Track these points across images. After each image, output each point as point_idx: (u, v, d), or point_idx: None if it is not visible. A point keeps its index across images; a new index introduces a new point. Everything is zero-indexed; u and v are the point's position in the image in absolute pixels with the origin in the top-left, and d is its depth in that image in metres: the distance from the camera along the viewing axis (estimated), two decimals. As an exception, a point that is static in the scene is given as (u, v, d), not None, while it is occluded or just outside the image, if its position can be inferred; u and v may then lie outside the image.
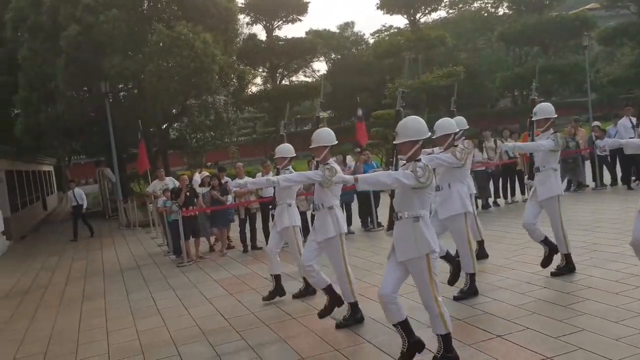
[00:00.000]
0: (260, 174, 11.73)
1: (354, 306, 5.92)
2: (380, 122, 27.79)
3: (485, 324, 5.37)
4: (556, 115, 6.76)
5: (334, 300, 6.06)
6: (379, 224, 12.07)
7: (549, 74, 37.82)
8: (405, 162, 4.54)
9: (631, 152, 5.89)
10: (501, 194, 13.43)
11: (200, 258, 11.06)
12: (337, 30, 62.20)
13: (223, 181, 11.75)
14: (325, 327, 5.93)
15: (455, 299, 6.18)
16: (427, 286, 4.42)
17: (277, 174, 7.01)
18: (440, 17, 53.90)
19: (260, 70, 38.38)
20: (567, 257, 6.74)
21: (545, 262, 6.81)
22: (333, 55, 61.55)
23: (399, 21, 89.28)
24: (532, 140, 6.83)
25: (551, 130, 6.68)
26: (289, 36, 37.43)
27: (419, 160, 4.42)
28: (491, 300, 6.11)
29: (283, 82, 39.40)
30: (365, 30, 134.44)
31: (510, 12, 50.13)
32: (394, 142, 4.61)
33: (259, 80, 41.05)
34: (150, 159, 19.40)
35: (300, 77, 50.89)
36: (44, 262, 13.40)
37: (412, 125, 4.55)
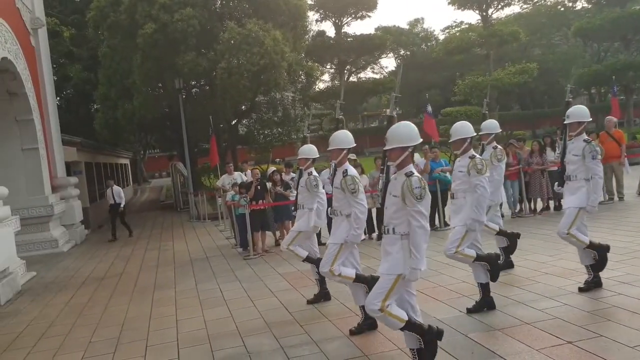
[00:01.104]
0: (326, 170, 11.80)
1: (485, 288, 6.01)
2: (449, 119, 27.36)
3: (555, 330, 5.19)
4: (590, 119, 6.43)
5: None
6: (446, 223, 11.88)
7: (630, 71, 36.02)
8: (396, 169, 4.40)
9: None
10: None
11: (265, 252, 11.25)
12: (407, 27, 61.62)
13: (289, 177, 11.91)
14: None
15: (469, 311, 5.95)
16: (383, 293, 4.33)
17: (300, 175, 7.13)
18: (513, 12, 52.38)
19: (328, 67, 38.54)
20: (592, 246, 6.36)
21: (599, 267, 6.42)
22: (402, 52, 61.01)
23: (471, 17, 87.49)
24: (564, 143, 6.56)
25: (584, 136, 6.35)
26: (358, 33, 37.44)
27: (412, 173, 4.25)
28: (562, 305, 5.90)
29: (351, 78, 39.39)
30: (435, 26, 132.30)
31: (589, 5, 48.10)
32: (383, 149, 4.49)
33: (326, 77, 41.28)
34: (220, 154, 19.86)
35: (368, 74, 50.75)
36: (119, 251, 14.00)
37: (403, 131, 4.41)
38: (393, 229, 4.34)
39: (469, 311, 5.94)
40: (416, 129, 4.47)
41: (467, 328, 5.52)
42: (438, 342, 4.51)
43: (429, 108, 14.70)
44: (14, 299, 9.46)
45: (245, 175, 13.78)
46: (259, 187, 11.56)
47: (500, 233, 7.52)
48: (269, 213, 11.76)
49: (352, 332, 5.75)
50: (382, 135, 7.82)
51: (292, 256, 10.45)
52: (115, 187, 16.49)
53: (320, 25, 57.09)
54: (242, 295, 7.95)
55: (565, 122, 6.50)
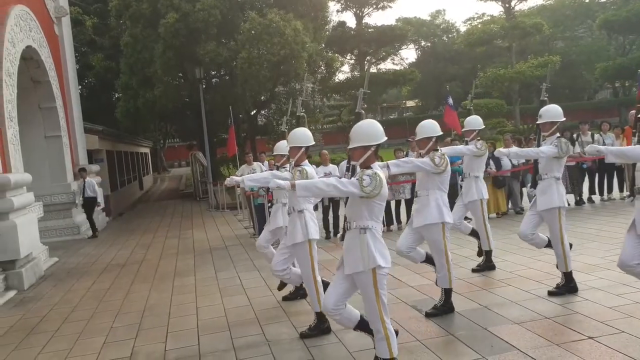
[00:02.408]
0: (345, 162, 11.81)
1: (321, 315, 5.60)
2: (466, 112, 27.08)
3: (575, 325, 5.16)
4: (564, 119, 6.25)
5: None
6: (465, 217, 11.85)
7: (656, 65, 35.38)
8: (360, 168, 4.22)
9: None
10: (597, 190, 12.76)
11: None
12: (428, 18, 61.11)
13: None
14: (409, 316, 5.92)
15: (427, 315, 5.81)
16: (373, 303, 4.16)
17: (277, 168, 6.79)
18: (536, 4, 51.70)
19: (348, 57, 38.38)
20: (567, 276, 6.14)
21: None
22: (423, 43, 60.58)
23: (493, 8, 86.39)
24: (538, 144, 6.38)
25: (557, 135, 6.15)
26: (379, 24, 37.23)
27: (370, 167, 4.13)
28: (583, 300, 5.86)
29: (371, 69, 39.21)
30: (457, 18, 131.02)
31: (615, -3, 47.26)
32: (348, 147, 4.34)
33: (346, 67, 41.13)
34: (239, 144, 19.95)
35: (388, 65, 50.46)
36: (140, 238, 14.16)
37: (366, 129, 4.24)
38: (353, 223, 4.21)
39: (427, 315, 5.84)
40: (381, 127, 4.30)
41: (486, 321, 5.51)
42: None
43: (450, 100, 14.58)
44: (37, 284, 9.63)
45: (264, 165, 13.82)
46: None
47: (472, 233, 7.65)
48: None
49: (474, 270, 6.23)
50: (401, 127, 7.83)
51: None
52: (89, 180, 14.72)
53: (340, 15, 56.94)
54: (261, 284, 8.01)
55: (537, 122, 6.32)
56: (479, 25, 44.30)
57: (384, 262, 4.15)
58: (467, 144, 7.59)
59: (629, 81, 46.74)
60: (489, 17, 50.50)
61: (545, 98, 6.88)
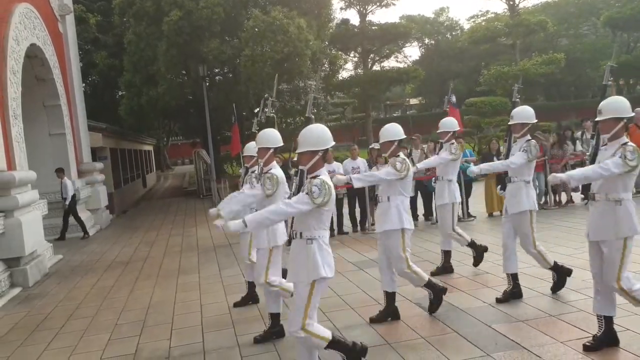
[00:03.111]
0: (348, 159, 11.83)
1: (275, 317, 5.65)
2: (473, 109, 27.05)
3: (580, 322, 5.16)
4: (535, 121, 6.16)
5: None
6: (469, 214, 11.85)
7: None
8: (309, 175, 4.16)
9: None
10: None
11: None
12: (432, 15, 60.99)
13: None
14: (412, 314, 5.92)
15: (372, 320, 5.76)
16: (301, 307, 4.11)
17: (246, 172, 6.54)
18: (541, 2, 51.51)
19: (352, 55, 38.33)
20: (554, 268, 6.11)
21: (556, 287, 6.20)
22: (426, 41, 60.47)
23: (497, 6, 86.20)
24: (509, 145, 6.28)
25: (527, 138, 6.07)
26: (382, 21, 37.11)
27: (317, 177, 4.07)
28: (587, 297, 5.83)
29: (374, 67, 39.16)
30: (461, 15, 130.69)
31: (620, -5, 47.07)
32: (296, 152, 4.29)
33: (349, 65, 41.07)
34: (243, 142, 19.94)
35: (391, 63, 50.42)
36: (144, 236, 14.19)
37: (314, 134, 4.19)
38: (300, 233, 4.15)
39: (371, 320, 5.79)
40: (329, 133, 4.25)
41: (491, 319, 5.51)
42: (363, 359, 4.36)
43: (453, 98, 14.52)
44: (41, 281, 9.67)
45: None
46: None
47: (470, 245, 7.58)
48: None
49: (372, 320, 5.80)
50: (405, 125, 7.82)
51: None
52: (65, 180, 13.63)
53: (344, 13, 56.91)
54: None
55: (509, 124, 6.24)
56: (483, 23, 44.11)
57: (329, 273, 4.11)
58: (441, 145, 7.56)
59: (634, 79, 46.66)
60: (493, 15, 50.37)
61: (517, 99, 6.81)
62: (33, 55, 12.69)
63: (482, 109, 27.57)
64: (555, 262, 6.17)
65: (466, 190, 11.53)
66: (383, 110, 62.65)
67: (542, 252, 6.13)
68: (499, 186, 6.68)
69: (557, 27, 44.81)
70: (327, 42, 26.89)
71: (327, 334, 4.21)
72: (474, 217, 11.84)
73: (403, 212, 5.65)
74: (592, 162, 4.71)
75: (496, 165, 6.41)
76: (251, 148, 6.52)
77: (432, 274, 7.42)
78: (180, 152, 56.01)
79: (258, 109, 6.53)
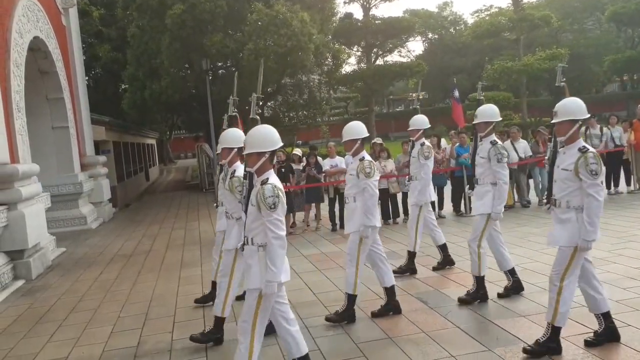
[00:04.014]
0: (348, 155, 11.80)
1: (352, 299, 5.72)
2: (476, 104, 26.92)
3: (581, 318, 5.15)
4: (499, 119, 6.10)
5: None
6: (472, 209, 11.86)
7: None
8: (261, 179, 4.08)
9: None
10: (604, 184, 12.72)
11: (289, 234, 11.33)
12: (436, 10, 60.82)
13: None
14: (414, 308, 5.93)
15: (327, 319, 5.68)
16: (250, 318, 4.04)
17: (221, 170, 6.09)
18: (545, -3, 51.28)
19: (355, 49, 38.23)
20: (479, 281, 6.01)
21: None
22: (430, 35, 60.33)
23: (501, 0, 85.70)
24: (475, 144, 6.21)
25: (492, 137, 5.98)
26: (386, 15, 37.00)
27: (266, 181, 3.99)
28: (589, 293, 5.85)
29: (377, 62, 39.07)
30: (464, 9, 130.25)
31: (625, -10, 46.80)
32: (243, 154, 4.21)
33: (353, 59, 40.97)
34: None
35: (394, 57, 50.28)
36: (146, 229, 14.22)
37: (261, 135, 4.11)
38: (252, 239, 4.07)
39: (327, 319, 5.73)
40: (276, 134, 4.17)
41: (492, 314, 5.52)
42: None
43: (456, 93, 14.53)
44: (44, 274, 9.70)
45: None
46: (282, 169, 11.61)
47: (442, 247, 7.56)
48: (298, 194, 11.83)
49: (501, 296, 5.92)
50: (408, 120, 7.82)
51: (316, 238, 10.58)
52: None
53: (348, 7, 56.76)
54: (267, 276, 8.03)
55: (473, 122, 6.17)
56: (487, 18, 43.99)
57: (284, 277, 4.05)
58: (413, 143, 7.52)
59: (638, 74, 46.46)
60: (496, 9, 50.19)
61: (482, 97, 6.74)
62: (36, 48, 12.69)
63: (485, 104, 27.50)
64: (483, 276, 6.01)
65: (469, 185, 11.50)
66: (386, 105, 62.55)
67: (481, 258, 5.98)
68: (468, 185, 6.62)
69: (562, 22, 44.64)
70: (330, 36, 26.81)
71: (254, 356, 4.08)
72: (444, 217, 11.71)
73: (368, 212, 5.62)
74: (552, 166, 4.64)
75: (502, 193, 5.97)
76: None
77: (434, 268, 7.44)
78: (183, 146, 56.04)
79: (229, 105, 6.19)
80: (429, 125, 7.62)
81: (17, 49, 10.66)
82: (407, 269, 7.42)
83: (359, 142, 5.75)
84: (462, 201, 11.84)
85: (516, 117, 32.09)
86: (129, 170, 25.04)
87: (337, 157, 11.96)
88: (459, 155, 11.64)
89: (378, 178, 5.74)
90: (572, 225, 4.42)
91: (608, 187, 12.65)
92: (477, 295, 5.97)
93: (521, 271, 6.88)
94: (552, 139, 4.79)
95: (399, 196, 11.63)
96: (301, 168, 12.13)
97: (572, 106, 4.51)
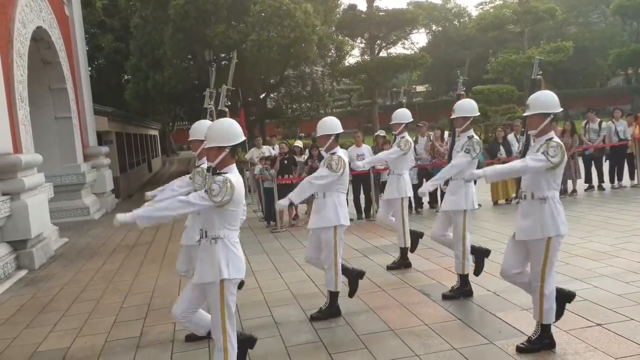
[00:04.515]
0: (353, 146, 11.78)
1: (334, 296, 5.70)
2: (480, 97, 26.89)
3: (584, 312, 5.15)
4: (477, 114, 6.02)
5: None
6: (417, 209, 11.80)
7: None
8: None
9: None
10: (608, 178, 12.67)
11: (292, 226, 11.33)
12: (440, 2, 60.49)
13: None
14: (416, 301, 5.93)
15: (313, 318, 5.63)
16: (218, 313, 3.95)
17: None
18: (551, -11, 50.96)
19: (359, 41, 38.10)
20: (463, 279, 5.97)
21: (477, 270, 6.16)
22: (434, 27, 60.07)
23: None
24: (453, 140, 6.13)
25: (470, 132, 5.90)
26: (390, 7, 36.84)
27: (221, 173, 3.91)
28: (592, 287, 5.85)
29: (381, 53, 38.94)
30: (469, 2, 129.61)
31: (630, -18, 46.48)
32: (205, 147, 4.13)
33: (356, 51, 40.86)
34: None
35: (398, 49, 50.15)
36: (149, 220, 14.21)
37: (222, 128, 4.01)
38: (206, 232, 3.99)
39: (312, 317, 5.65)
40: (239, 128, 4.05)
41: (495, 307, 5.51)
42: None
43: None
44: (47, 264, 9.73)
45: (274, 149, 13.82)
46: (285, 161, 11.60)
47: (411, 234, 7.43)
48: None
49: (445, 297, 5.91)
50: (411, 112, 7.78)
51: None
52: None
53: (352, -2, 56.35)
54: (269, 267, 8.05)
55: (451, 117, 6.07)
56: (491, 10, 43.77)
57: (234, 274, 3.95)
58: (395, 137, 7.44)
59: (643, 68, 46.25)
60: (501, 2, 49.90)
61: (463, 92, 6.64)
62: (39, 38, 12.67)
63: (489, 96, 27.44)
64: (467, 275, 5.97)
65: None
66: (389, 97, 62.38)
67: (465, 256, 5.95)
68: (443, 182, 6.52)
69: (566, 14, 44.44)
70: (333, 28, 26.76)
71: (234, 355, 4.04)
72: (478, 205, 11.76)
73: (339, 207, 5.57)
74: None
75: (446, 172, 5.95)
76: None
77: (388, 267, 7.37)
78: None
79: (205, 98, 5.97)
80: (412, 119, 7.54)
81: (20, 38, 10.63)
82: (402, 264, 7.38)
83: (332, 137, 5.64)
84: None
85: (520, 110, 31.98)
86: (131, 161, 25.04)
87: (341, 149, 11.89)
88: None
89: (341, 174, 5.55)
90: (539, 216, 4.34)
91: (612, 181, 12.63)
92: (462, 292, 5.94)
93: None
94: (525, 132, 4.71)
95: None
96: (303, 160, 12.11)
97: (545, 99, 4.44)
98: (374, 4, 35.02)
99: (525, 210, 4.44)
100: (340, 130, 5.72)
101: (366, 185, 11.44)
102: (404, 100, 8.15)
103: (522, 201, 4.48)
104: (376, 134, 12.33)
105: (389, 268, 7.35)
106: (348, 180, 5.73)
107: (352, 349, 4.86)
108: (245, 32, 20.43)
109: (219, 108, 4.66)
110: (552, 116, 4.41)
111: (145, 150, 31.42)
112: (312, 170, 11.73)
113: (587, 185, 12.50)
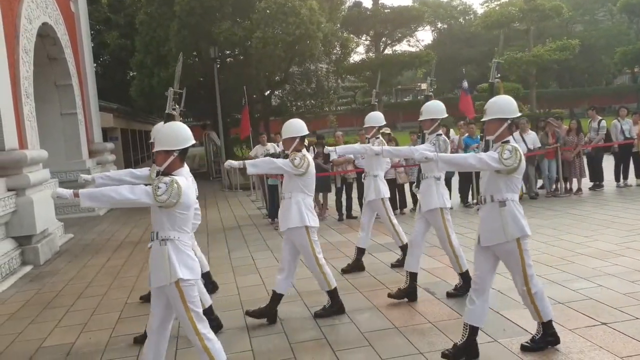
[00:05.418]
0: (358, 143, 11.76)
1: (333, 293, 5.67)
2: (485, 95, 26.74)
3: (589, 310, 5.14)
4: (445, 116, 5.96)
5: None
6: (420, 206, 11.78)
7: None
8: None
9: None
10: (613, 177, 12.63)
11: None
12: (445, -1, 60.35)
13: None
14: (421, 299, 5.93)
15: (316, 315, 5.62)
16: (184, 317, 3.91)
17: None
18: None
19: (364, 38, 38.04)
20: (464, 276, 5.91)
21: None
22: (439, 25, 59.91)
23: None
24: (422, 141, 6.10)
25: (437, 133, 5.90)
26: (395, 4, 36.76)
27: (168, 175, 3.85)
28: (596, 286, 5.83)
29: (386, 51, 38.87)
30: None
31: (637, -20, 46.23)
32: (153, 150, 4.05)
33: (361, 48, 40.77)
34: (253, 125, 19.94)
35: (403, 47, 50.06)
36: (153, 216, 14.25)
37: (172, 132, 3.97)
38: (157, 233, 3.92)
39: (316, 315, 5.64)
40: (188, 131, 4.00)
41: (499, 305, 5.50)
42: None
43: (465, 84, 14.45)
44: (52, 259, 9.76)
45: (278, 146, 13.82)
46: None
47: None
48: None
49: (390, 295, 5.86)
50: (416, 110, 7.76)
51: (323, 228, 10.55)
52: None
53: (356, -4, 56.20)
54: (273, 264, 8.04)
55: (419, 119, 6.04)
56: (497, 8, 43.60)
57: (188, 274, 3.87)
58: (368, 141, 7.37)
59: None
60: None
61: (430, 93, 6.58)
62: (45, 34, 12.70)
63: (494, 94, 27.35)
64: (467, 271, 5.88)
65: (476, 176, 11.46)
66: (394, 94, 62.29)
67: (456, 253, 5.94)
68: (414, 184, 6.48)
69: (572, 12, 44.24)
70: (339, 25, 26.67)
71: (222, 358, 3.99)
72: (451, 207, 11.65)
73: (304, 209, 5.46)
74: None
75: (401, 149, 6.20)
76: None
77: (393, 265, 7.35)
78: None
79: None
80: (385, 122, 7.47)
81: (26, 35, 10.66)
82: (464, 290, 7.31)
83: (297, 140, 5.51)
84: (470, 192, 11.82)
85: (525, 109, 31.91)
86: (136, 158, 25.13)
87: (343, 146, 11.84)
88: (467, 146, 11.58)
89: (302, 174, 5.44)
90: (500, 220, 4.27)
91: (617, 179, 12.58)
92: (467, 289, 5.89)
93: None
94: (484, 137, 4.62)
95: (407, 186, 11.60)
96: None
97: (502, 104, 4.39)
98: (380, 1, 34.99)
99: (486, 214, 4.39)
100: (305, 132, 5.60)
101: (348, 186, 11.44)
102: (376, 103, 8.14)
103: (482, 205, 4.43)
104: (382, 131, 12.29)
105: (393, 266, 7.36)
106: (314, 183, 5.62)
107: (356, 346, 4.86)
108: (250, 29, 20.40)
109: (166, 111, 4.62)
110: (509, 121, 4.36)
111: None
112: (317, 167, 11.76)
113: (592, 183, 12.46)
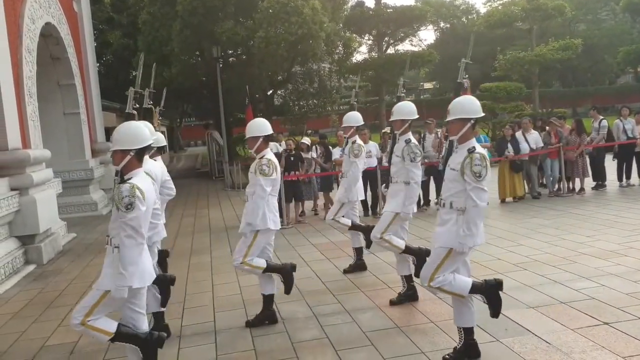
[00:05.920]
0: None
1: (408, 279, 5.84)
2: (487, 95, 26.77)
3: (591, 310, 5.14)
4: (416, 117, 5.92)
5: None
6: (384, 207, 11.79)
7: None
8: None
9: None
10: (615, 176, 12.61)
11: (298, 222, 11.35)
12: (448, -2, 60.28)
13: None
14: (423, 298, 5.92)
15: (248, 324, 5.54)
16: (82, 311, 3.90)
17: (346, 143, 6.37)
18: (559, -14, 50.66)
19: (366, 38, 38.00)
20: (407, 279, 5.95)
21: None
22: (442, 24, 59.83)
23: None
24: (393, 142, 6.04)
25: (407, 136, 5.83)
26: (398, 4, 36.73)
27: (126, 180, 3.82)
28: (599, 286, 5.83)
29: (388, 50, 38.80)
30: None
31: (640, -21, 46.10)
32: (110, 149, 4.04)
33: (364, 48, 40.74)
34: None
35: (406, 46, 50.04)
36: (156, 216, 14.26)
37: (129, 131, 3.93)
38: (111, 239, 3.89)
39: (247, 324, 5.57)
40: (146, 131, 3.99)
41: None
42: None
43: (466, 84, 14.38)
44: (55, 259, 9.79)
45: (281, 145, 13.83)
46: (292, 157, 11.62)
47: (354, 228, 7.31)
48: (306, 183, 11.83)
49: (392, 303, 5.80)
50: (419, 109, 7.73)
51: (325, 227, 10.56)
52: None
53: (359, -5, 56.13)
54: (275, 264, 8.06)
55: (390, 119, 6.01)
56: (500, 7, 43.49)
57: (138, 283, 3.81)
58: (347, 141, 7.36)
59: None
60: (510, -1, 49.68)
61: (403, 94, 6.52)
62: (48, 34, 12.72)
63: (497, 94, 27.30)
64: (406, 245, 5.93)
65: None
66: (397, 94, 62.17)
67: (388, 240, 5.91)
68: (384, 184, 6.46)
69: (575, 12, 44.09)
70: (341, 25, 26.67)
71: (110, 328, 3.94)
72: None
73: (267, 212, 5.46)
74: (445, 164, 4.51)
75: (413, 193, 5.88)
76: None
77: (345, 271, 7.27)
78: (193, 133, 56.11)
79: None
80: (362, 123, 7.44)
81: (29, 34, 10.68)
82: (357, 267, 7.29)
83: (261, 139, 5.49)
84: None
85: (528, 108, 31.86)
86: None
87: (371, 142, 11.63)
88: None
89: (275, 177, 5.49)
90: (450, 227, 4.27)
91: (620, 179, 12.56)
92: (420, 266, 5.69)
93: (531, 263, 6.88)
94: (448, 137, 4.60)
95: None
96: (310, 157, 12.13)
97: (465, 105, 4.38)
98: (382, 1, 34.92)
99: (443, 218, 4.38)
100: (270, 131, 5.57)
101: (373, 183, 11.42)
102: (355, 102, 8.10)
103: (441, 209, 4.42)
104: (383, 131, 12.32)
105: (346, 272, 7.27)
106: (279, 183, 5.59)
107: (358, 345, 4.87)
108: (252, 28, 20.41)
109: (126, 111, 4.62)
110: (472, 121, 4.33)
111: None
112: (321, 168, 11.78)
113: (594, 183, 12.44)
